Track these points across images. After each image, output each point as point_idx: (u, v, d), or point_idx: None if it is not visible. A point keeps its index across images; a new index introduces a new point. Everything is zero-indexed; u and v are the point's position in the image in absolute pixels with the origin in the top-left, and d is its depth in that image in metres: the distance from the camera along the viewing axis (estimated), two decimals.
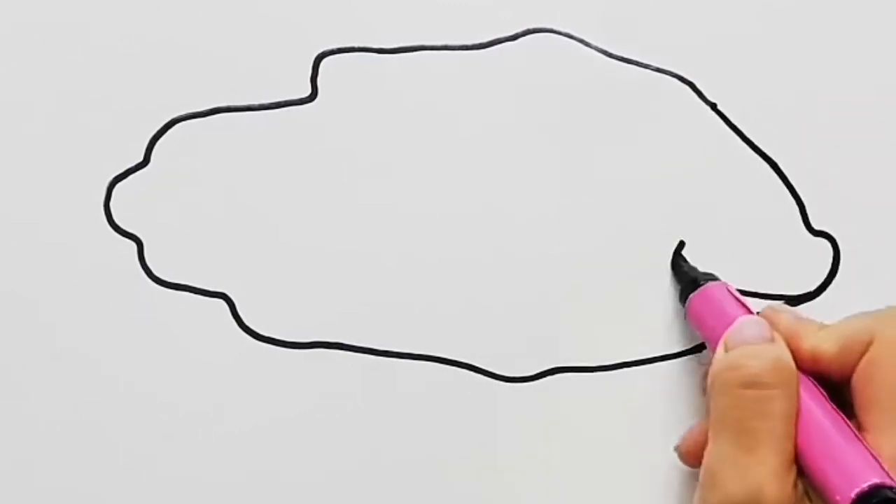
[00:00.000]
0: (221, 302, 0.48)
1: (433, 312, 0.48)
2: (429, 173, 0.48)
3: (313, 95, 0.48)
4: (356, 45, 0.48)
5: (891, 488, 0.38)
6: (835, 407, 0.41)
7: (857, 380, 0.41)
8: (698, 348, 0.48)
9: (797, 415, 0.41)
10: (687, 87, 0.49)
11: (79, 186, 0.48)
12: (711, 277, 0.47)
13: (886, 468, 0.39)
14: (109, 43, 0.48)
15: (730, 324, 0.44)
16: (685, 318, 0.47)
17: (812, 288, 0.49)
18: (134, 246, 0.48)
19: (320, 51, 0.48)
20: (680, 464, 0.47)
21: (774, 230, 0.49)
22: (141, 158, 0.48)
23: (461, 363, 0.48)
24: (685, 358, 0.49)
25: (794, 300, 0.49)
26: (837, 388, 0.42)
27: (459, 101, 0.48)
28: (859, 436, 0.40)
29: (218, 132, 0.48)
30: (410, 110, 0.48)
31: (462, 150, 0.48)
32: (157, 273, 0.48)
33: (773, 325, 0.43)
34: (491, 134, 0.48)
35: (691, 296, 0.47)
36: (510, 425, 0.48)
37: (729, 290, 0.46)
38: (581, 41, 0.49)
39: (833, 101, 0.49)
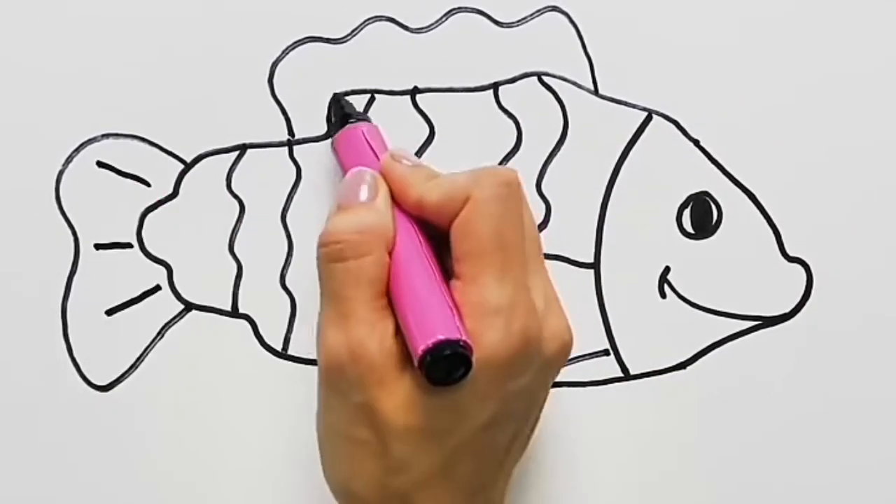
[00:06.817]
0: (244, 322, 0.49)
1: None
2: None
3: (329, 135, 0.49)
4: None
5: (457, 342, 0.38)
6: (431, 256, 0.41)
7: (453, 232, 0.41)
8: (692, 360, 0.49)
9: (390, 268, 0.41)
10: (672, 125, 0.50)
11: (113, 218, 0.49)
12: (364, 119, 0.47)
13: (465, 319, 0.39)
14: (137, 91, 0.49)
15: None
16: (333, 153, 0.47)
17: (787, 309, 0.50)
18: (164, 271, 0.49)
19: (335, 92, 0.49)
20: (677, 472, 0.49)
21: (753, 256, 0.50)
22: (170, 191, 0.49)
23: None
24: (685, 370, 0.50)
25: (770, 321, 0.50)
26: (446, 235, 0.42)
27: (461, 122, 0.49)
28: (445, 287, 0.40)
29: (241, 166, 0.49)
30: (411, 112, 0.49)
31: (463, 151, 0.49)
32: (184, 295, 0.49)
33: (387, 174, 0.43)
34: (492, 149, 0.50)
35: (337, 134, 0.46)
36: None
37: (364, 134, 0.45)
38: (573, 83, 0.50)
39: (807, 140, 0.50)
